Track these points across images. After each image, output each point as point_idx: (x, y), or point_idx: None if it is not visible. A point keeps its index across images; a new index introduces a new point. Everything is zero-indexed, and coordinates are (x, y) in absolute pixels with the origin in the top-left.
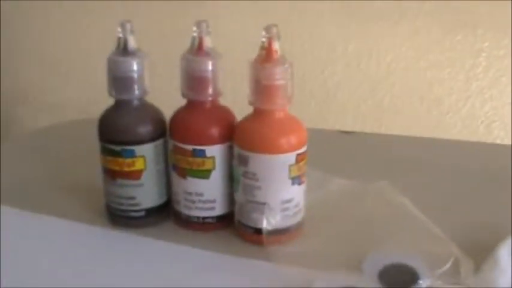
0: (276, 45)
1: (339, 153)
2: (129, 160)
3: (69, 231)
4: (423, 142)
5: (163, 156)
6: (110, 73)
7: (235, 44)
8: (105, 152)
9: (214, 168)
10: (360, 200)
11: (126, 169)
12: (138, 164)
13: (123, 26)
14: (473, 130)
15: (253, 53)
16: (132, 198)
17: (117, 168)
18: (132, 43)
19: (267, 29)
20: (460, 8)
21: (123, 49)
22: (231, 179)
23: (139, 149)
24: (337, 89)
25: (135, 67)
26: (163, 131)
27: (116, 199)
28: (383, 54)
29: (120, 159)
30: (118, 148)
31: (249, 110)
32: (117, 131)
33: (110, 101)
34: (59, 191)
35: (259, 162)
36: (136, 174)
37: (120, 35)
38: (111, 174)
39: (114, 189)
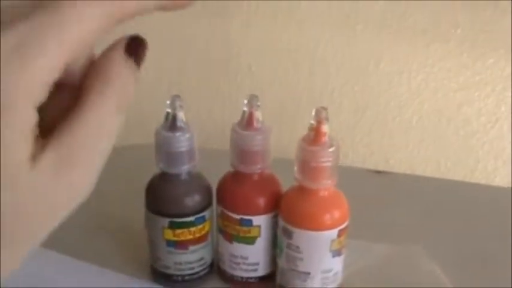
0: (324, 128)
1: (369, 194)
2: (200, 226)
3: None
4: (460, 186)
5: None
6: (158, 147)
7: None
8: (174, 226)
9: (259, 235)
10: (393, 266)
11: (198, 235)
12: (207, 227)
13: (172, 101)
14: (499, 152)
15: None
16: (202, 259)
17: (190, 237)
18: (180, 118)
19: (317, 112)
20: (493, 32)
21: (172, 124)
22: (274, 244)
23: (207, 213)
24: (366, 105)
25: (185, 142)
26: (211, 197)
27: (187, 265)
28: (414, 74)
29: (193, 228)
30: (192, 219)
31: None
32: (184, 205)
33: None
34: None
35: (303, 237)
36: (205, 236)
37: (169, 110)
38: (182, 245)
39: (185, 258)
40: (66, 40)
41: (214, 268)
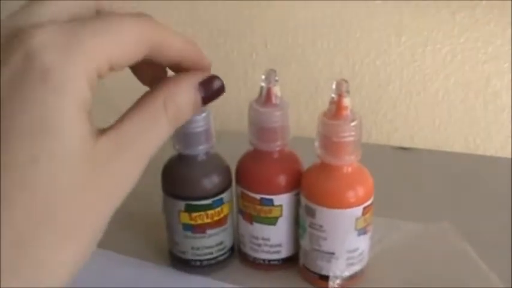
0: (346, 102)
1: (394, 171)
2: (218, 209)
3: (130, 268)
4: (488, 161)
5: (232, 202)
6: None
7: None
8: (191, 208)
9: (281, 215)
10: (421, 244)
11: (217, 218)
12: (225, 210)
13: None
14: None
15: None
16: (221, 243)
17: (208, 220)
18: None
19: (337, 85)
20: None
21: None
22: (296, 224)
23: (226, 196)
24: (389, 79)
25: (201, 122)
26: (231, 178)
27: (205, 250)
28: (439, 46)
29: (211, 211)
30: (209, 201)
31: None
32: (201, 187)
33: None
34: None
35: (326, 215)
36: (224, 220)
37: None
38: (199, 229)
39: (203, 242)
40: (105, 44)
41: (235, 252)
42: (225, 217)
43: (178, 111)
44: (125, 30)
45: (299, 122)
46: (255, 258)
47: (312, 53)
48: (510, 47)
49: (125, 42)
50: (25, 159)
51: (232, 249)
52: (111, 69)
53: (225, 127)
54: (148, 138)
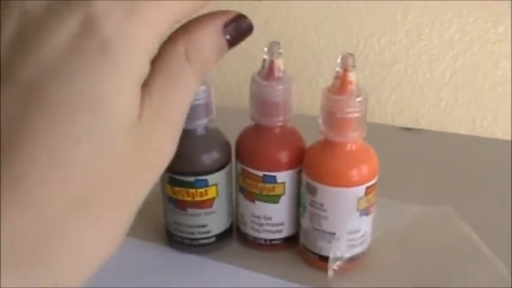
0: (351, 76)
1: (399, 152)
2: (201, 190)
3: (128, 248)
4: (495, 144)
5: (231, 180)
6: None
7: None
8: (174, 182)
9: (284, 193)
10: (424, 228)
11: (199, 199)
12: (211, 193)
13: None
14: None
15: None
16: (204, 226)
17: (188, 198)
18: None
19: (343, 59)
20: None
21: None
22: (299, 202)
23: (212, 178)
24: (394, 59)
25: (203, 94)
26: (230, 155)
27: (185, 228)
28: (447, 25)
29: (192, 190)
30: (191, 179)
31: None
32: (188, 162)
33: None
34: None
35: (327, 194)
36: (208, 203)
37: None
38: (180, 205)
39: (184, 219)
40: (169, 7)
41: (234, 236)
42: (210, 200)
43: (203, 62)
44: None
45: (301, 101)
46: (255, 238)
47: (315, 31)
48: None
49: None
50: (68, 137)
51: (220, 236)
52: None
53: (223, 103)
54: (179, 101)
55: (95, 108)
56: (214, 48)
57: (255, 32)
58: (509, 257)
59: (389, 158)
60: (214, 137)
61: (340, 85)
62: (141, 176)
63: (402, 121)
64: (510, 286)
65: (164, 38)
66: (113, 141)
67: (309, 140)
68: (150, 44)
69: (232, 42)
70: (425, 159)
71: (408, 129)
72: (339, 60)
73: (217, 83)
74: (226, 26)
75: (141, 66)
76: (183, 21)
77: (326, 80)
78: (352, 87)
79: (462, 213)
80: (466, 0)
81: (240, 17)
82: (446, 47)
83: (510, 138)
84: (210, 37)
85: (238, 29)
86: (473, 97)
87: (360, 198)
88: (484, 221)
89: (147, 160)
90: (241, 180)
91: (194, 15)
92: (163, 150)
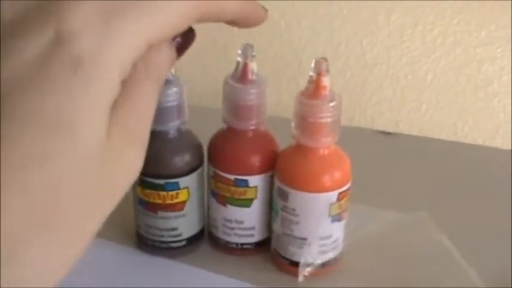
0: (325, 81)
1: (376, 156)
2: (172, 193)
3: (98, 250)
4: (474, 150)
5: (203, 183)
6: None
7: None
8: (144, 184)
9: (256, 197)
10: (397, 234)
11: (169, 202)
12: (182, 196)
13: None
14: None
15: None
16: (175, 229)
17: (159, 201)
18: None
19: (317, 63)
20: None
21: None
22: (270, 206)
23: (183, 181)
24: (375, 61)
25: (174, 96)
26: (202, 157)
27: (156, 231)
28: (429, 27)
29: (163, 193)
30: (161, 182)
31: None
32: (160, 164)
33: None
34: None
35: (299, 199)
36: (179, 206)
37: None
38: (151, 207)
39: (154, 222)
40: (147, 23)
41: (206, 239)
42: (181, 203)
43: (160, 77)
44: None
45: (280, 101)
46: (227, 242)
47: (296, 30)
48: (504, 32)
49: (170, 18)
50: (31, 157)
51: (190, 240)
52: (151, 46)
53: (203, 103)
54: (144, 117)
55: (62, 128)
56: (169, 62)
57: (236, 30)
58: (482, 263)
59: (366, 162)
60: (186, 139)
61: (313, 89)
62: (108, 193)
63: (382, 123)
64: None
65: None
66: (80, 163)
67: (287, 142)
68: (123, 66)
69: (180, 51)
70: (402, 164)
71: (386, 132)
72: (312, 65)
73: (197, 82)
74: (174, 37)
75: (112, 88)
76: None
77: (306, 82)
78: (325, 92)
79: (437, 219)
80: (450, 1)
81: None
82: (428, 50)
83: (491, 144)
84: (165, 52)
85: (185, 38)
86: (455, 100)
87: (332, 204)
88: (459, 227)
89: (114, 177)
90: (213, 184)
91: None
92: (131, 166)
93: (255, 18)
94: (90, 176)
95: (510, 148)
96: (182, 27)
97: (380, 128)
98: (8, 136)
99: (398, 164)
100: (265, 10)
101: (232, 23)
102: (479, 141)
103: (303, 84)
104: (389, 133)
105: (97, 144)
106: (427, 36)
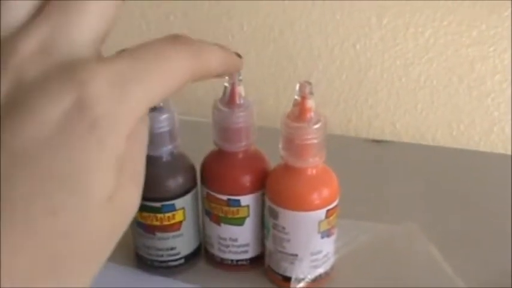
0: (309, 103)
1: (367, 166)
2: (169, 214)
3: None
4: (465, 156)
5: (197, 203)
6: None
7: None
8: (142, 208)
9: (248, 215)
10: (386, 247)
11: (167, 223)
12: (178, 216)
13: None
14: None
15: None
16: (173, 248)
17: (156, 223)
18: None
19: (301, 87)
20: None
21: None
22: (263, 223)
23: (179, 202)
24: (369, 64)
25: (166, 122)
26: (195, 178)
27: (154, 251)
28: (421, 29)
29: (160, 215)
30: (158, 204)
31: None
32: (156, 188)
33: None
34: None
35: (288, 217)
36: (176, 226)
37: None
38: (149, 229)
39: (153, 243)
40: (151, 90)
41: (202, 256)
42: (178, 223)
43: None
44: (172, 66)
45: (277, 106)
46: (222, 259)
47: (290, 35)
48: (495, 31)
49: (173, 84)
50: (45, 209)
51: (188, 258)
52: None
53: (192, 117)
54: (143, 160)
55: (76, 183)
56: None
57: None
58: (471, 274)
59: (357, 174)
60: (179, 162)
61: (298, 112)
62: (113, 233)
63: (379, 126)
64: None
65: None
66: (90, 214)
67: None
68: (133, 124)
69: None
70: (395, 174)
71: (377, 141)
72: (297, 88)
73: (193, 94)
74: None
75: (122, 146)
76: None
77: None
78: (310, 114)
79: (426, 230)
80: (441, 1)
81: None
82: (421, 51)
83: (486, 143)
84: None
85: None
86: (449, 100)
87: (320, 221)
88: (449, 238)
89: (118, 217)
90: (207, 204)
91: None
92: (133, 202)
93: (234, 68)
94: (98, 224)
95: (505, 149)
96: (177, 87)
97: (377, 130)
98: (25, 190)
99: (389, 173)
100: (241, 57)
101: (216, 77)
102: (475, 139)
103: None
104: (379, 141)
105: (106, 197)
106: (419, 38)
